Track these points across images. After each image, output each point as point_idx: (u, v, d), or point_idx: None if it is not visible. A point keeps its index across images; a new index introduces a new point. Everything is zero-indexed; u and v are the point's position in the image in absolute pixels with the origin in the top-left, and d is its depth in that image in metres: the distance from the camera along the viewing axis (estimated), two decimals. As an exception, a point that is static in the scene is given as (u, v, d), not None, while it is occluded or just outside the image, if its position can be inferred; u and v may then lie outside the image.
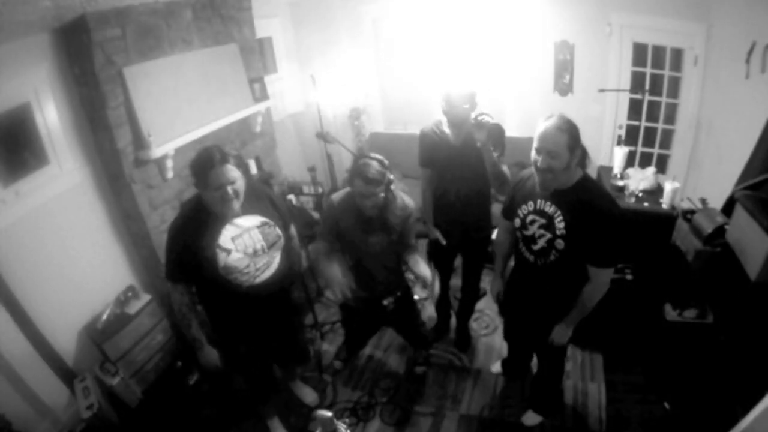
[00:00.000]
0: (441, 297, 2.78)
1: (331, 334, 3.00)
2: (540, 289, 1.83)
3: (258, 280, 1.81)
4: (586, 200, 1.57)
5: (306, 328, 3.02)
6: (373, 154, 1.96)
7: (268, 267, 1.83)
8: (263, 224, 1.80)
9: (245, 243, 1.74)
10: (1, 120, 2.11)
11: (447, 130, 2.20)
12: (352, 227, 2.04)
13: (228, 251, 1.70)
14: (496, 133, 1.99)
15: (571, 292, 1.73)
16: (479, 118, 1.99)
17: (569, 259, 1.64)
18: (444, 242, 2.36)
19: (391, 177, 1.96)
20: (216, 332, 1.96)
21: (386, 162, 1.95)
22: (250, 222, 1.77)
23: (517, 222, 1.75)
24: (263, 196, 1.89)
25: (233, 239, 1.72)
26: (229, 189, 1.62)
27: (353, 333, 2.57)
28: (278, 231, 1.85)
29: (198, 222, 1.69)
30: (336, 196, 2.10)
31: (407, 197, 2.11)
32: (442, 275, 2.65)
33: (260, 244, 1.78)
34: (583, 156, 1.62)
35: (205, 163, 1.60)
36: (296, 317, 2.17)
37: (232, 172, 1.62)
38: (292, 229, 2.06)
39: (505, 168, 2.13)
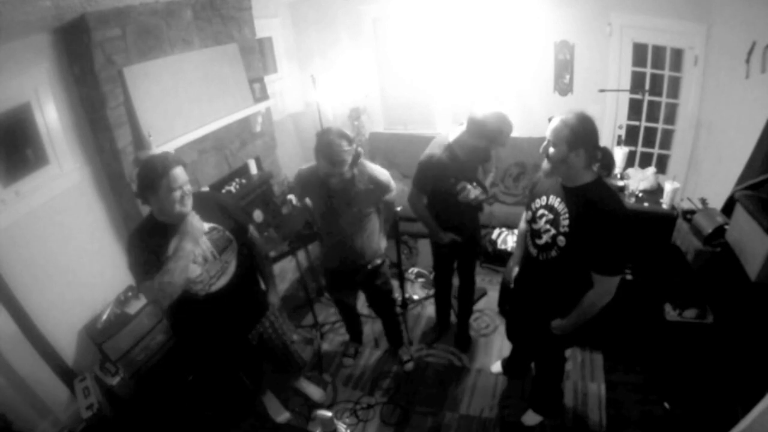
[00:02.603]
0: (445, 297, 2.79)
1: (331, 334, 3.01)
2: (539, 285, 1.84)
3: (214, 288, 1.77)
4: (592, 201, 1.57)
5: (305, 328, 3.03)
6: (336, 129, 1.90)
7: (223, 273, 1.79)
8: (211, 230, 1.76)
9: (194, 252, 1.70)
10: (1, 120, 2.12)
11: (460, 152, 2.10)
12: (316, 201, 2.07)
13: None
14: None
15: (568, 293, 1.73)
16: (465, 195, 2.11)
17: (569, 258, 1.64)
18: (459, 239, 2.35)
19: (360, 150, 1.94)
20: (184, 341, 1.97)
21: (351, 136, 1.91)
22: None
23: (529, 215, 1.79)
24: (210, 203, 1.84)
25: None
26: (180, 191, 1.59)
27: (343, 306, 2.61)
28: (228, 234, 1.80)
29: (153, 233, 1.65)
30: (302, 170, 2.13)
31: (378, 170, 2.12)
32: (444, 276, 2.65)
33: (210, 250, 1.75)
34: (608, 161, 1.61)
35: (154, 171, 1.58)
36: (271, 322, 2.10)
37: (184, 175, 1.62)
38: (252, 231, 2.01)
39: (490, 177, 2.29)
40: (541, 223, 1.70)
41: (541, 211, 1.72)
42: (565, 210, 1.62)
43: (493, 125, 1.96)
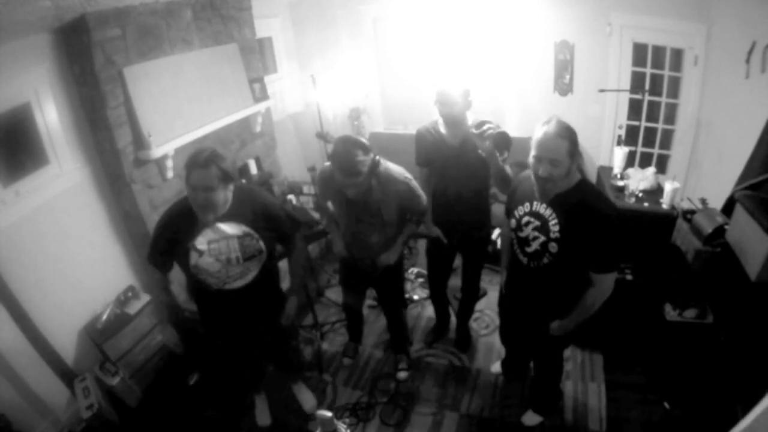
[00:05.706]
0: (440, 297, 2.78)
1: (332, 333, 3.00)
2: (533, 292, 1.82)
3: (228, 287, 1.78)
4: (582, 203, 1.55)
5: (305, 328, 3.03)
6: (353, 138, 1.83)
7: (241, 277, 1.79)
8: (245, 235, 1.73)
9: (220, 249, 1.71)
10: (1, 120, 2.11)
11: (443, 130, 2.18)
12: (335, 204, 2.05)
13: (200, 252, 1.70)
14: (502, 141, 1.93)
15: (563, 296, 1.73)
16: (485, 130, 1.90)
17: (562, 263, 1.62)
18: (446, 241, 2.35)
19: (377, 159, 1.89)
20: (203, 324, 2.03)
21: (368, 144, 1.85)
22: (231, 230, 1.72)
23: (513, 223, 1.74)
24: (256, 205, 1.79)
25: (209, 243, 1.70)
26: (201, 195, 1.59)
27: (350, 295, 2.57)
28: (261, 245, 1.77)
29: (185, 217, 1.69)
30: (324, 169, 2.08)
31: (398, 170, 2.06)
32: (440, 275, 2.65)
33: (235, 254, 1.73)
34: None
35: (192, 160, 1.59)
36: (280, 329, 2.10)
37: (210, 180, 1.57)
38: (297, 239, 1.99)
39: (508, 169, 2.12)
40: (528, 231, 1.66)
41: (526, 219, 1.67)
42: (553, 215, 1.58)
43: (438, 89, 2.09)
